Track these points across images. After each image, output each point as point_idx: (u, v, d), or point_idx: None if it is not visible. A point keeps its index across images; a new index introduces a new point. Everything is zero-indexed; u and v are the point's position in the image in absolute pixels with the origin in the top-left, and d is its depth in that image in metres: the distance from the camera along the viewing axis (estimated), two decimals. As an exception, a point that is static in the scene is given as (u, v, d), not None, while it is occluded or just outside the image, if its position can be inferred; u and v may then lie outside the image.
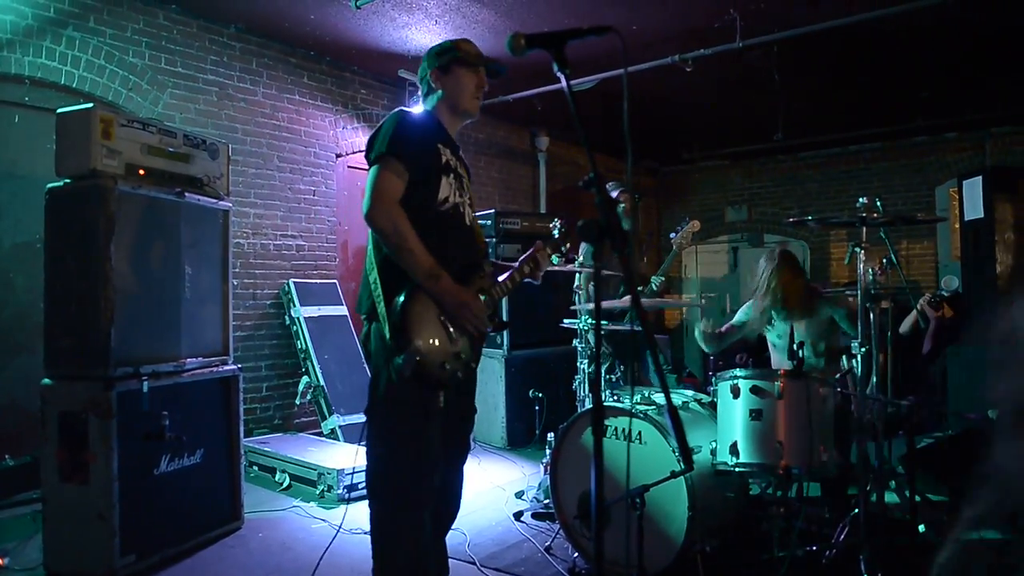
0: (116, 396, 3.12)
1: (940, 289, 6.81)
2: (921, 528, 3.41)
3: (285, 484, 4.57)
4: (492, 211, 6.07)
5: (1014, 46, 6.09)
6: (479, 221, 5.95)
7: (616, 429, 3.39)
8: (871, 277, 3.46)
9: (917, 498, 3.40)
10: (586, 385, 4.11)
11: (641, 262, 9.60)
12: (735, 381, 3.13)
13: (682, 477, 3.12)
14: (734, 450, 3.09)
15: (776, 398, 3.04)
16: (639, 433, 3.31)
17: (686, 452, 1.81)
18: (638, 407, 3.40)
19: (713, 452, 3.22)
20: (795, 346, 3.12)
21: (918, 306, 6.31)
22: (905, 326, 6.20)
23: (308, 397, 5.60)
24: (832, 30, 5.33)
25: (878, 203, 5.64)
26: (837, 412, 3.26)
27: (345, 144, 6.46)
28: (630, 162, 9.99)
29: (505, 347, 5.85)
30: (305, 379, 5.60)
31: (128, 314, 3.24)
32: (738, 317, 4.33)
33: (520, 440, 5.80)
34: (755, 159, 9.87)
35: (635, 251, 9.55)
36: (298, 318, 5.65)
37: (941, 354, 6.26)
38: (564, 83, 1.87)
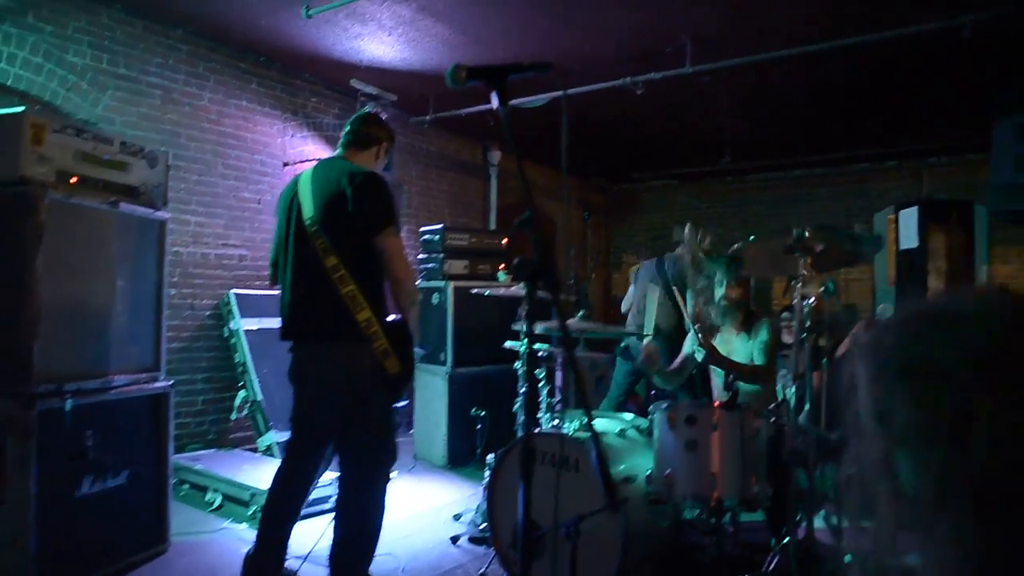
0: (37, 415, 3.00)
1: (875, 316, 7.03)
2: (847, 558, 3.48)
3: (216, 504, 4.45)
4: (440, 226, 6.04)
5: (948, 85, 6.32)
6: (427, 236, 5.91)
7: (553, 456, 3.39)
8: (806, 309, 3.52)
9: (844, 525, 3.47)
10: (524, 411, 4.10)
11: (589, 279, 9.70)
12: (672, 412, 3.16)
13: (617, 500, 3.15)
14: (669, 480, 3.11)
15: (711, 430, 3.08)
16: (576, 460, 3.32)
17: (610, 488, 1.84)
18: (576, 434, 3.41)
19: (649, 480, 3.24)
20: (729, 378, 3.17)
21: (854, 332, 6.48)
22: (841, 351, 6.35)
23: (245, 412, 5.47)
24: (779, 59, 5.47)
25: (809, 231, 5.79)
26: (770, 442, 3.31)
27: (293, 152, 6.36)
28: (567, 198, 10.08)
29: (449, 364, 5.81)
30: (242, 393, 5.47)
31: (54, 328, 3.11)
32: (686, 349, 4.36)
33: (461, 459, 5.76)
34: (703, 180, 10.04)
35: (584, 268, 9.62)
36: (237, 330, 5.52)
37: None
38: (503, 117, 1.86)
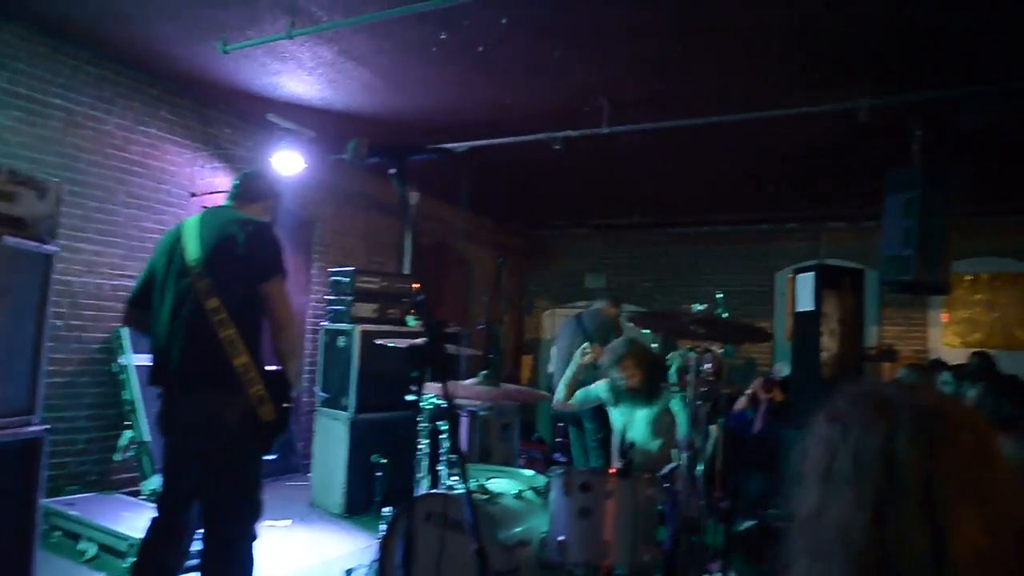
0: None
1: (772, 373, 7.31)
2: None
3: (90, 555, 4.18)
4: (351, 268, 5.94)
5: (846, 160, 6.72)
6: (336, 277, 5.83)
7: (446, 518, 3.35)
8: (702, 375, 3.63)
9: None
10: (425, 464, 4.04)
11: (502, 322, 9.74)
12: (567, 477, 3.17)
13: (509, 568, 3.12)
14: (562, 547, 3.11)
15: (605, 497, 3.10)
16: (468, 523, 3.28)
17: (482, 554, 1.86)
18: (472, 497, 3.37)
19: (543, 545, 3.23)
20: (624, 445, 3.21)
21: (750, 389, 6.71)
22: (740, 405, 6.56)
23: (130, 453, 5.19)
24: (692, 127, 5.69)
25: (719, 297, 6.00)
26: (663, 510, 3.36)
27: (202, 184, 6.17)
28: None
29: (351, 410, 5.68)
30: (128, 433, 5.20)
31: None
32: (594, 391, 4.44)
33: (359, 507, 5.61)
34: (617, 230, 10.28)
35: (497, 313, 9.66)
36: (127, 365, 5.26)
37: (771, 433, 6.66)
38: (402, 194, 1.86)
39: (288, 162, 6.52)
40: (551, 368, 6.42)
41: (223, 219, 3.10)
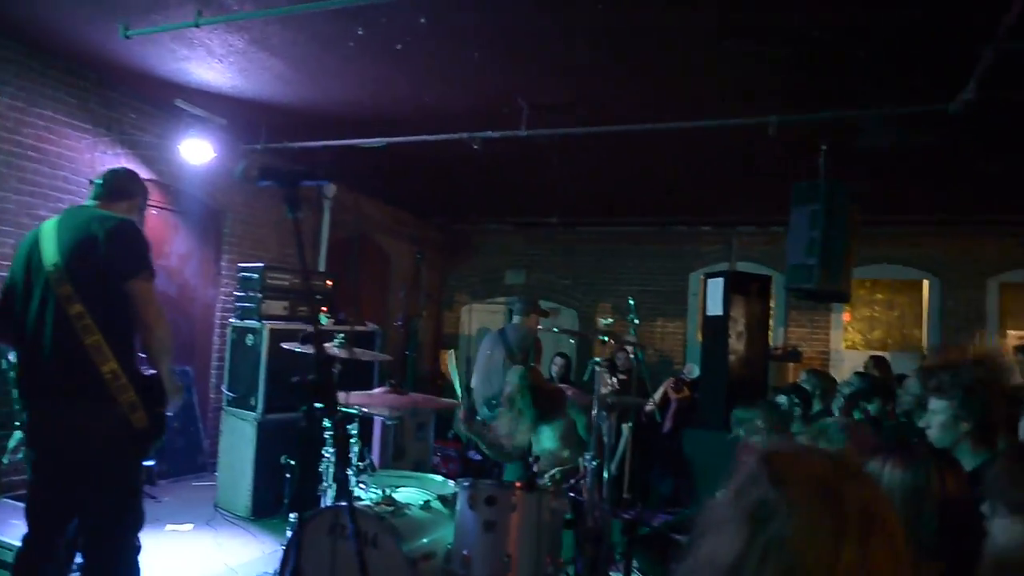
0: None
1: (683, 374, 7.51)
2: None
3: (-31, 568, 3.94)
4: (260, 265, 5.77)
5: (756, 170, 6.93)
6: (245, 273, 5.66)
7: (352, 530, 3.30)
8: (609, 390, 3.69)
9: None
10: (330, 473, 3.97)
11: (420, 317, 9.66)
12: (472, 491, 3.17)
13: (413, 586, 3.11)
14: (466, 561, 3.11)
15: (510, 511, 3.12)
16: (375, 536, 3.26)
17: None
18: (377, 509, 3.34)
19: (448, 557, 3.23)
20: (531, 460, 3.24)
21: (661, 389, 6.88)
22: (649, 406, 6.71)
23: (19, 455, 4.91)
24: (606, 133, 5.75)
25: (631, 302, 6.10)
26: (567, 522, 3.41)
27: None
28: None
29: (259, 410, 5.53)
30: (18, 434, 4.91)
31: None
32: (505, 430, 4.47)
33: (267, 509, 5.47)
34: (537, 227, 10.32)
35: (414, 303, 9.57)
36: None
37: (679, 433, 6.85)
38: (294, 220, 1.81)
39: (197, 150, 6.29)
40: (474, 382, 6.41)
41: (82, 219, 2.97)
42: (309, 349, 4.10)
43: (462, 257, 11.05)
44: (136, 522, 2.97)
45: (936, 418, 2.91)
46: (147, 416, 2.85)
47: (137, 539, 2.97)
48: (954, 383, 2.88)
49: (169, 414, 3.07)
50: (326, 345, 4.13)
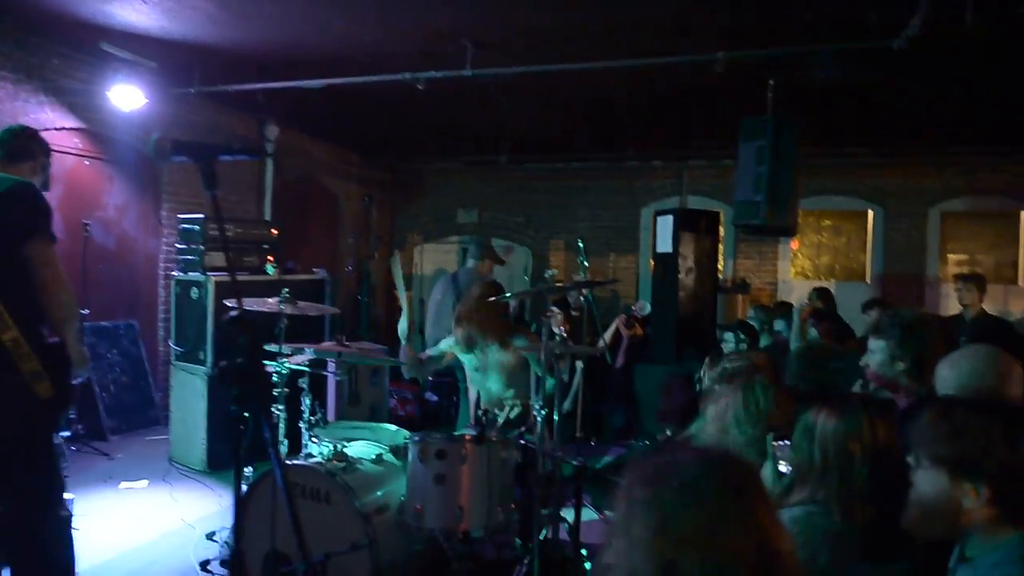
0: None
1: (634, 311, 7.60)
2: (587, 565, 3.76)
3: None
4: (201, 216, 5.60)
5: (706, 106, 6.90)
6: (185, 225, 5.49)
7: (304, 488, 3.33)
8: (557, 338, 3.71)
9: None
10: (282, 429, 3.97)
11: (372, 259, 9.57)
12: (423, 445, 3.19)
13: (366, 539, 3.16)
14: (419, 513, 3.16)
15: (460, 463, 3.16)
16: (327, 493, 3.28)
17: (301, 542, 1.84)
18: (328, 465, 3.36)
19: (401, 510, 3.28)
20: (479, 412, 3.27)
21: (613, 326, 6.96)
22: (609, 337, 6.80)
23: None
24: (553, 72, 5.64)
25: (580, 243, 6.11)
26: (519, 468, 3.47)
27: (27, 120, 5.53)
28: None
29: (208, 363, 5.46)
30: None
31: None
32: (440, 347, 4.43)
33: (222, 462, 5.46)
34: (488, 165, 10.18)
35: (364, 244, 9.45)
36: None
37: (632, 369, 6.99)
38: (211, 198, 1.75)
39: (127, 95, 6.02)
40: (427, 325, 6.37)
41: None
42: (255, 306, 4.04)
43: (413, 197, 10.89)
44: (55, 493, 2.93)
45: (875, 357, 3.01)
46: (52, 386, 2.78)
47: (64, 507, 2.95)
48: (893, 323, 2.98)
49: (76, 382, 3.01)
50: (270, 301, 4.07)
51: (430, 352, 4.47)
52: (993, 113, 7.06)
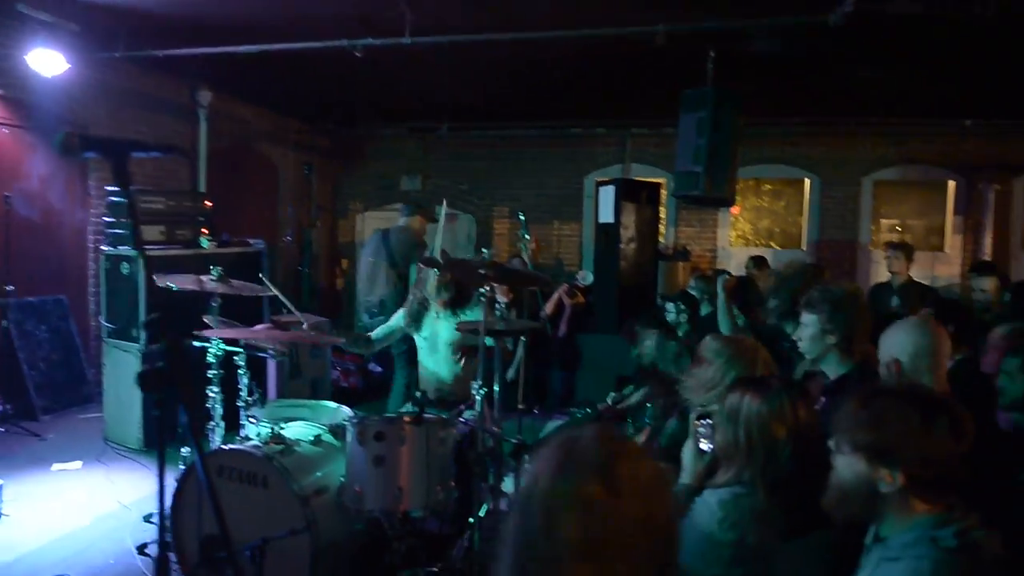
0: None
1: (577, 280, 7.67)
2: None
3: None
4: (131, 188, 5.38)
5: (648, 76, 6.91)
6: (114, 197, 5.27)
7: (241, 472, 3.29)
8: (500, 312, 3.72)
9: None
10: (219, 411, 3.91)
11: (314, 227, 9.40)
12: (361, 427, 3.18)
13: (304, 522, 3.15)
14: (358, 495, 3.16)
15: (399, 444, 3.15)
16: (264, 477, 3.25)
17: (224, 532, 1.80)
18: (264, 448, 3.32)
19: (340, 492, 3.27)
20: (417, 393, 3.27)
21: (555, 295, 7.01)
22: (549, 307, 6.85)
23: None
24: (494, 41, 5.56)
25: (521, 217, 6.09)
26: (458, 446, 3.49)
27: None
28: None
29: (142, 341, 5.31)
30: None
31: None
32: (391, 324, 4.41)
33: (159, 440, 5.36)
34: (431, 132, 10.03)
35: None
36: None
37: (574, 337, 7.07)
38: (125, 196, 1.68)
39: (48, 60, 5.71)
40: (358, 288, 6.29)
41: None
42: (187, 284, 3.94)
43: (355, 163, 10.69)
44: None
45: (806, 331, 3.11)
46: None
47: None
48: (823, 298, 3.09)
49: None
50: (202, 279, 3.97)
51: (380, 331, 4.43)
52: (924, 86, 7.24)
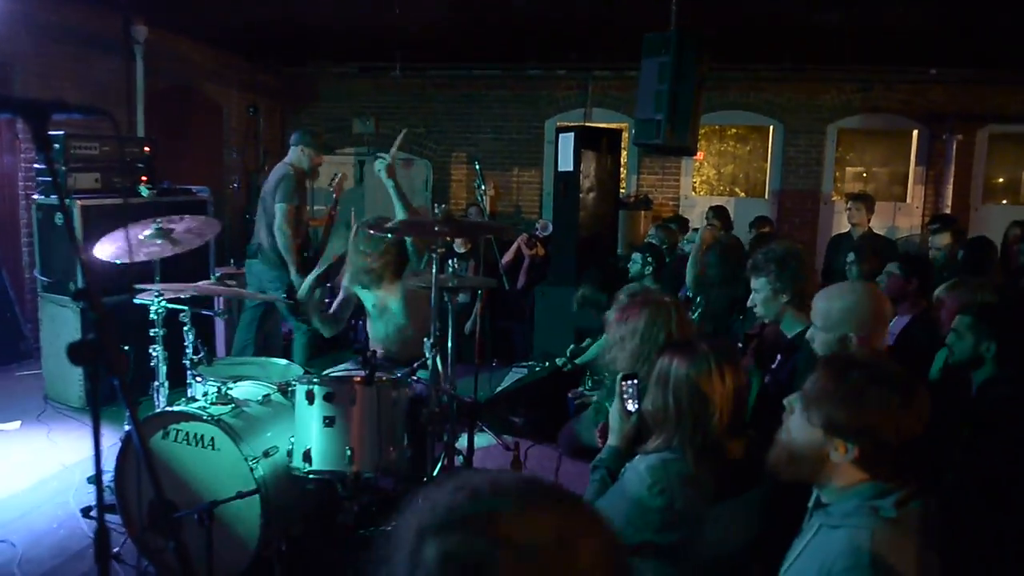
0: None
1: (536, 230, 7.54)
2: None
3: None
4: (61, 133, 5.04)
5: (609, 17, 6.68)
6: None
7: (188, 434, 3.16)
8: (451, 269, 3.59)
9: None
10: (163, 370, 3.73)
11: (262, 171, 9.05)
12: (310, 387, 3.06)
13: (253, 484, 3.04)
14: (308, 456, 3.06)
15: (349, 405, 3.05)
16: (212, 439, 3.13)
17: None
18: (211, 409, 3.18)
19: (290, 454, 3.16)
20: (368, 353, 3.15)
21: (514, 245, 6.89)
22: (508, 258, 6.74)
23: None
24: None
25: (477, 166, 5.89)
26: (410, 406, 3.38)
27: None
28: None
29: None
30: None
31: None
32: (343, 294, 4.24)
33: (103, 398, 5.09)
34: (384, 72, 9.66)
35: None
36: None
37: (533, 289, 6.97)
38: (45, 159, 1.49)
39: (-35, -9, 5.28)
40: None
41: None
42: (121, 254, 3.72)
43: (304, 105, 10.27)
44: None
45: (759, 295, 3.08)
46: None
47: None
48: (767, 259, 3.06)
49: None
50: (140, 238, 3.76)
51: (338, 300, 4.25)
52: (890, 32, 7.15)
